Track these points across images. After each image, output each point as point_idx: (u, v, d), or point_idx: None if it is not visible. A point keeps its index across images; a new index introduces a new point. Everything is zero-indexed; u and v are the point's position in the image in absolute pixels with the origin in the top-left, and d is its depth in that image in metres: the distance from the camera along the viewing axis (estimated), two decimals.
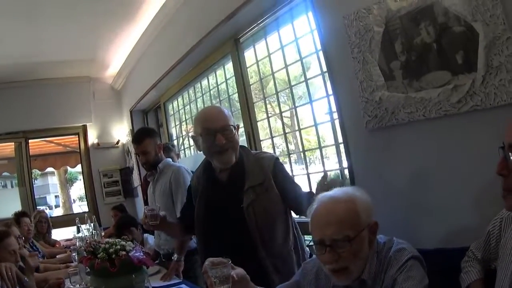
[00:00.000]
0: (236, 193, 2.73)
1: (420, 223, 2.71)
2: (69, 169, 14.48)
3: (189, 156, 7.17)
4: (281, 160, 2.97)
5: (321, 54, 3.71)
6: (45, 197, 23.86)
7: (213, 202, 2.85)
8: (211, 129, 2.71)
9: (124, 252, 2.98)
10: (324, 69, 3.74)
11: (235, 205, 2.70)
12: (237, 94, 5.22)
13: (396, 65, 2.82)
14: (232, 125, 2.74)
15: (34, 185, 9.09)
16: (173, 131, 7.81)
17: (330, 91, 3.69)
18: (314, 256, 2.20)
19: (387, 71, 2.89)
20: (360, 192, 1.99)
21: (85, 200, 9.96)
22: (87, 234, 5.33)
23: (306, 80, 4.18)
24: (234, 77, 5.23)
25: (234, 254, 2.34)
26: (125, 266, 2.93)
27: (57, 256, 5.81)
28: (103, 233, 5.88)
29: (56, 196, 22.06)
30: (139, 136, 4.41)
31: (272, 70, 4.70)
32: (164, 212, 3.08)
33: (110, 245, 3.02)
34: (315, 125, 4.14)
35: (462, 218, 2.58)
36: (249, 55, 5.05)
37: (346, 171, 3.68)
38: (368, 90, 3.03)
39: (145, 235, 5.45)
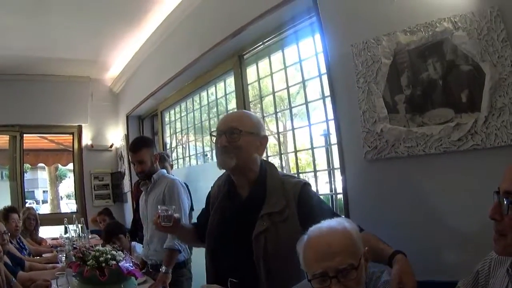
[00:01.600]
0: (251, 216, 2.47)
1: (411, 255, 2.71)
2: (60, 166, 14.41)
3: (181, 168, 7.16)
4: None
5: (324, 77, 3.71)
6: (33, 191, 23.76)
7: (227, 218, 2.61)
8: (220, 130, 2.58)
9: (114, 262, 2.98)
10: (326, 93, 3.75)
11: (246, 229, 2.45)
12: (235, 110, 5.17)
13: (401, 98, 2.83)
14: (241, 130, 2.51)
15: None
16: (168, 140, 7.79)
17: (329, 116, 3.71)
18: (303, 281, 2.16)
19: (390, 104, 2.90)
20: (347, 221, 1.97)
21: (73, 198, 9.91)
22: (74, 235, 5.32)
23: (306, 103, 4.17)
24: (234, 92, 5.23)
25: (236, 279, 2.37)
26: (114, 276, 2.93)
27: (43, 255, 5.77)
28: (90, 236, 5.86)
29: (44, 191, 21.96)
30: (136, 145, 4.41)
31: (273, 89, 4.69)
32: (178, 214, 2.88)
33: (101, 254, 3.01)
34: (312, 148, 4.13)
35: (454, 253, 2.60)
36: (250, 72, 5.05)
37: (339, 196, 3.68)
38: (370, 121, 3.03)
39: (133, 243, 5.43)
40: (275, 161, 4.62)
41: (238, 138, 2.51)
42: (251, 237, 2.41)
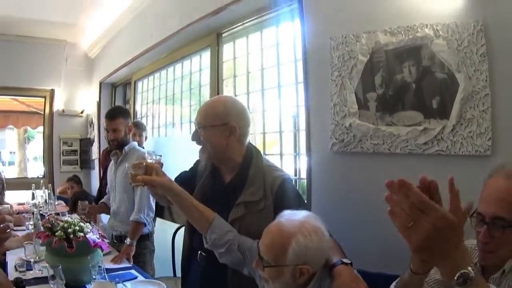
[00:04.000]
0: (229, 201, 2.52)
1: (367, 247, 2.78)
2: (29, 128, 14.21)
3: (150, 139, 7.07)
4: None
5: (299, 63, 3.74)
6: (0, 152, 23.38)
7: (208, 198, 2.58)
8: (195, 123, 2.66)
9: (82, 234, 3.04)
10: (299, 79, 3.78)
11: (223, 213, 2.45)
12: (208, 85, 5.22)
13: (372, 96, 2.89)
14: (203, 125, 2.57)
15: None
16: (139, 110, 7.77)
17: (300, 102, 3.77)
18: None
19: (362, 100, 2.95)
20: (314, 235, 1.98)
21: (41, 161, 9.82)
22: (41, 201, 5.33)
23: (279, 86, 4.24)
24: (209, 68, 5.23)
25: (206, 254, 2.49)
26: (82, 248, 2.99)
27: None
28: (56, 203, 5.87)
29: (11, 152, 21.57)
30: (114, 113, 4.49)
31: (247, 69, 4.72)
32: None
33: (69, 225, 3.07)
34: (280, 131, 4.20)
35: (407, 252, 2.68)
36: (227, 48, 5.07)
37: (303, 182, 3.76)
38: (340, 114, 3.09)
39: None
40: None
41: (201, 133, 2.57)
42: (226, 220, 2.43)
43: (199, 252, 2.63)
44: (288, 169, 4.19)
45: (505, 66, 2.35)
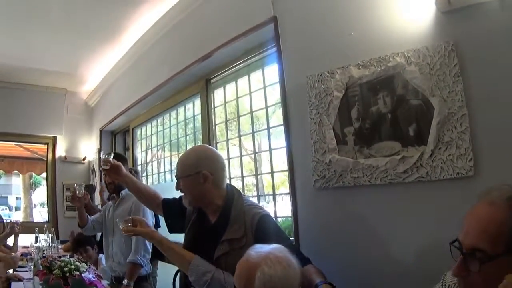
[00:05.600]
0: (215, 240, 2.60)
1: (352, 277, 2.75)
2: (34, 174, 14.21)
3: (155, 184, 7.00)
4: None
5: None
6: (7, 197, 23.32)
7: (197, 238, 2.75)
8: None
9: (77, 273, 3.05)
10: None
11: (210, 251, 2.57)
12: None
13: (350, 130, 2.84)
14: (179, 176, 2.75)
15: None
16: (139, 156, 7.74)
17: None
18: None
19: (340, 136, 2.91)
20: (278, 265, 1.98)
21: (46, 207, 9.76)
22: (44, 244, 5.32)
23: (268, 128, 4.20)
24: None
25: None
26: (77, 285, 3.02)
27: None
28: (60, 246, 5.82)
29: (17, 198, 21.55)
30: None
31: (238, 113, 4.69)
32: (120, 163, 3.26)
33: (66, 264, 3.09)
34: (272, 172, 4.14)
35: (393, 280, 2.62)
36: (218, 93, 5.05)
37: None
38: (320, 151, 3.04)
39: (100, 255, 5.43)
40: (238, 183, 4.64)
41: (180, 183, 2.75)
42: (212, 257, 2.53)
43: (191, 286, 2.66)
44: (283, 209, 4.18)
45: (481, 83, 2.29)
